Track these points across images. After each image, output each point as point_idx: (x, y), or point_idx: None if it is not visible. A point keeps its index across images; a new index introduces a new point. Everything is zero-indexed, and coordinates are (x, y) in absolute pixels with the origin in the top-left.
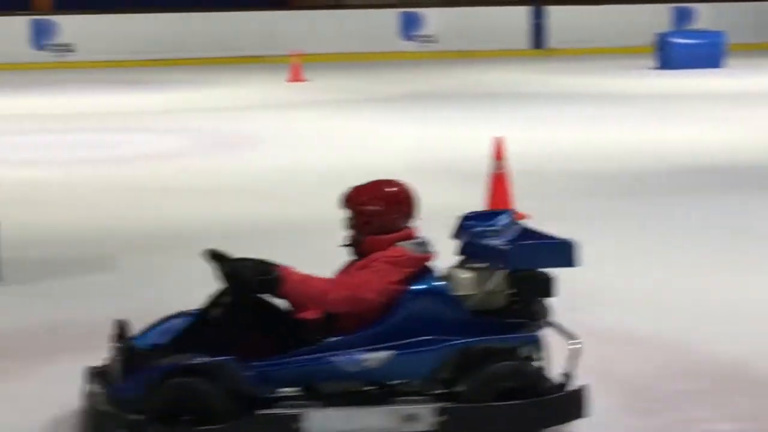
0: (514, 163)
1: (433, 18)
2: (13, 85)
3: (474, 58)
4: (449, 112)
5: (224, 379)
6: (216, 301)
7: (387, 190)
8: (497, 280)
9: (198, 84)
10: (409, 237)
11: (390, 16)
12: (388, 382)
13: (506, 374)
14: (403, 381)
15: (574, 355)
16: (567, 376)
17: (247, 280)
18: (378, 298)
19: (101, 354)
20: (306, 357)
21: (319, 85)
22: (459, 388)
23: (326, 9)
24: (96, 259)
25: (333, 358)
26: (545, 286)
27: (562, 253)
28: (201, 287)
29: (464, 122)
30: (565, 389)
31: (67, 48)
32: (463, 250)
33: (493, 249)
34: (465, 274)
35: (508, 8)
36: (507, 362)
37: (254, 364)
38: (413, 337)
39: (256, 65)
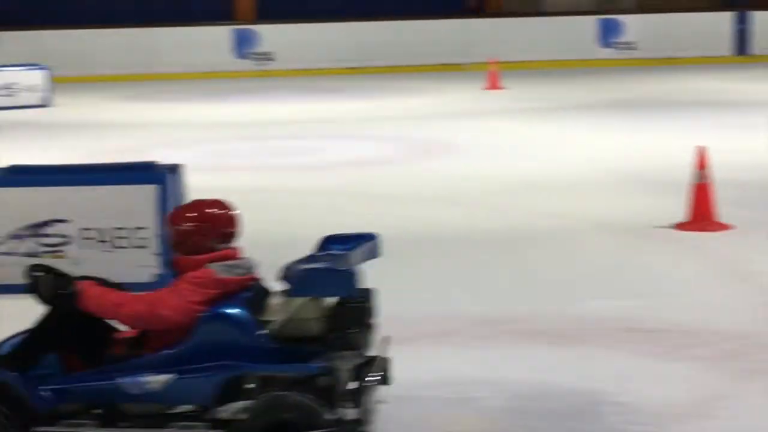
0: (716, 173)
1: (633, 24)
2: (216, 93)
3: (674, 65)
4: (649, 121)
5: (3, 395)
6: (44, 316)
7: (203, 210)
8: (308, 306)
9: (396, 91)
10: (226, 258)
11: (588, 23)
12: (172, 406)
13: (283, 405)
14: (190, 406)
15: (370, 390)
16: (364, 410)
17: (44, 294)
18: (175, 316)
19: None
20: (96, 376)
21: (515, 92)
22: (234, 416)
23: (524, 17)
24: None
25: (118, 379)
26: (360, 316)
27: (340, 281)
28: (410, 296)
29: (665, 131)
30: (354, 424)
31: (267, 56)
32: (285, 274)
33: (288, 273)
34: (275, 299)
35: (710, 14)
36: (286, 393)
37: (50, 380)
38: (204, 361)
39: (454, 73)
